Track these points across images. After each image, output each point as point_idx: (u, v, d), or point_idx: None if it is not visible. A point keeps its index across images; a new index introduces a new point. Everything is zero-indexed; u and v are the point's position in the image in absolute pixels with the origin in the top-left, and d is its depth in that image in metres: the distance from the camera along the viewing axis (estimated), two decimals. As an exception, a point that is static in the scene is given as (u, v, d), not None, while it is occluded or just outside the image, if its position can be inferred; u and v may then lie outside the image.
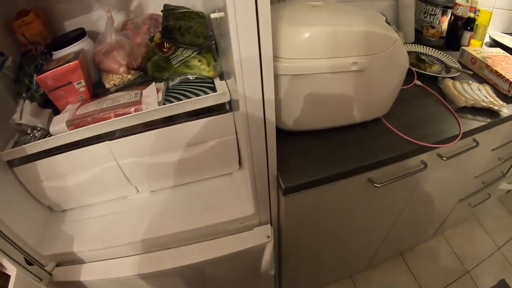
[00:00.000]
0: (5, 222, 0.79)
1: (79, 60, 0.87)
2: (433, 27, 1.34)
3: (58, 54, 0.95)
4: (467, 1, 1.31)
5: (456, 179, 1.26)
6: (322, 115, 0.87)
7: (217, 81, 0.84)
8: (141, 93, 0.84)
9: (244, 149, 0.82)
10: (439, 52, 1.29)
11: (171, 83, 0.85)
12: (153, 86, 0.85)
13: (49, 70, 0.87)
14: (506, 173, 1.51)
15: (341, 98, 0.84)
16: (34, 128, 0.86)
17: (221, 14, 0.64)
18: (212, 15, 0.71)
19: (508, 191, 1.96)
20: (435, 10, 1.29)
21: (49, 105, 0.92)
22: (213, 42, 0.88)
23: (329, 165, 0.83)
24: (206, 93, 0.82)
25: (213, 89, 0.82)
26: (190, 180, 0.98)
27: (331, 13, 0.81)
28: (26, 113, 0.86)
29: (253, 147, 0.73)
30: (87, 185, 0.93)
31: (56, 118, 0.86)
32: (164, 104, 0.79)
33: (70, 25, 1.05)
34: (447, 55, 1.27)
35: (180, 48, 0.86)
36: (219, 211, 0.91)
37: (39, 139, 0.84)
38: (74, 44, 0.95)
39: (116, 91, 0.91)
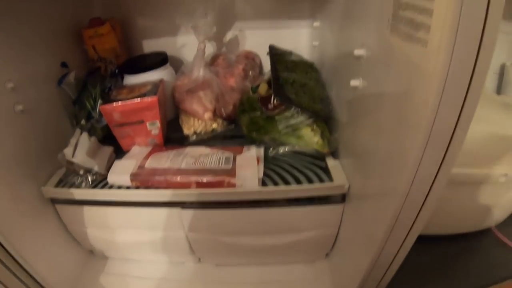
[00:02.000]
0: (37, 266, 0.62)
1: (157, 96, 0.69)
2: None
3: (132, 79, 0.77)
4: None
5: None
6: (450, 220, 0.72)
7: (330, 160, 0.65)
8: (235, 159, 0.65)
9: (352, 247, 0.64)
10: None
11: (271, 152, 0.66)
12: (252, 153, 0.66)
13: (119, 101, 0.69)
14: None
15: (472, 206, 0.70)
16: (88, 170, 0.68)
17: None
18: (353, 83, 0.53)
19: None
20: None
21: (110, 140, 0.74)
22: (332, 109, 0.70)
23: (442, 280, 0.69)
24: (316, 173, 0.64)
25: (325, 170, 0.63)
26: (265, 262, 0.78)
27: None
28: (81, 150, 0.68)
29: (384, 250, 0.53)
30: (139, 245, 0.75)
31: (118, 165, 0.68)
32: (264, 181, 0.59)
33: (149, 46, 0.88)
34: None
35: (291, 109, 0.67)
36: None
37: (92, 183, 0.67)
38: (154, 70, 0.77)
39: (197, 142, 0.72)
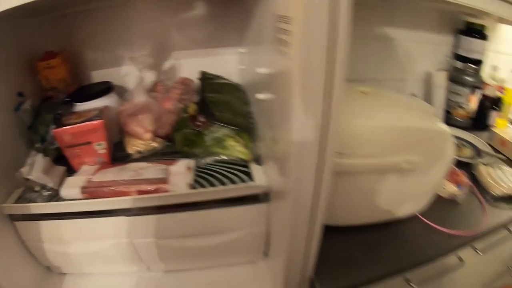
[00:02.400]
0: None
1: (103, 119, 0.81)
2: (462, 108, 1.33)
3: (81, 106, 0.89)
4: (495, 81, 1.31)
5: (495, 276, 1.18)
6: (362, 211, 0.80)
7: (254, 166, 0.79)
8: (168, 170, 0.78)
9: (278, 242, 0.76)
10: (468, 133, 1.26)
11: (201, 161, 0.79)
12: (182, 164, 0.79)
13: (69, 125, 0.80)
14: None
15: (386, 195, 0.77)
16: (43, 186, 0.78)
17: (270, 95, 0.60)
18: (259, 96, 0.67)
19: None
20: (464, 90, 1.30)
21: (63, 160, 0.85)
22: (252, 122, 0.84)
23: (368, 266, 0.76)
24: (240, 178, 0.76)
25: (248, 174, 0.76)
26: (208, 265, 0.90)
27: (383, 103, 0.78)
28: (37, 168, 0.79)
29: (293, 243, 0.67)
30: (92, 256, 0.84)
31: (70, 181, 0.79)
32: (193, 186, 0.73)
33: (96, 76, 1.00)
34: (476, 137, 1.23)
35: (216, 124, 0.81)
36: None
37: (47, 198, 0.77)
38: (99, 98, 0.89)
39: (139, 159, 0.84)
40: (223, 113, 0.81)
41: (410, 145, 0.70)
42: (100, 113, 0.83)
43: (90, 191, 0.75)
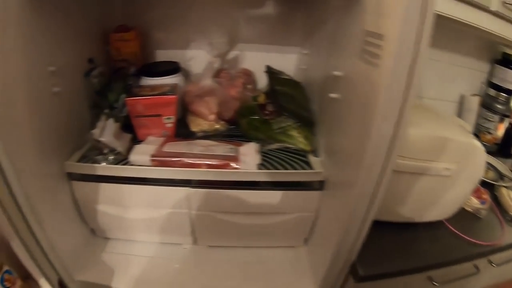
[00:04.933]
0: (51, 237, 0.71)
1: (176, 95, 0.85)
2: (490, 133, 1.41)
3: (150, 81, 0.92)
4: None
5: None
6: (400, 209, 0.86)
7: (311, 157, 0.84)
8: (237, 150, 0.82)
9: (325, 230, 0.81)
10: (493, 158, 1.33)
11: (266, 147, 0.84)
12: (251, 146, 0.83)
13: (143, 96, 0.84)
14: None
15: (422, 197, 0.83)
16: (112, 149, 0.81)
17: (340, 96, 0.68)
18: (332, 95, 0.73)
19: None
20: (494, 117, 1.37)
21: (128, 128, 0.88)
22: (313, 116, 0.89)
23: (399, 259, 0.82)
24: (300, 165, 0.80)
25: (307, 163, 0.81)
26: (252, 245, 0.94)
27: (427, 115, 0.86)
28: (108, 132, 0.81)
29: (346, 232, 0.71)
30: (144, 223, 0.86)
31: (139, 148, 0.82)
32: (259, 167, 0.77)
33: (161, 55, 1.03)
34: (500, 162, 1.29)
35: (282, 115, 0.86)
36: (276, 284, 0.86)
37: (113, 162, 0.79)
38: (168, 76, 0.93)
39: (203, 137, 0.88)
40: (290, 105, 0.86)
41: (449, 154, 0.77)
42: (173, 89, 0.87)
43: (160, 160, 0.78)
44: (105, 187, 0.81)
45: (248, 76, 1.01)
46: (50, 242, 0.71)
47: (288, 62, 1.05)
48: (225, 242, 0.93)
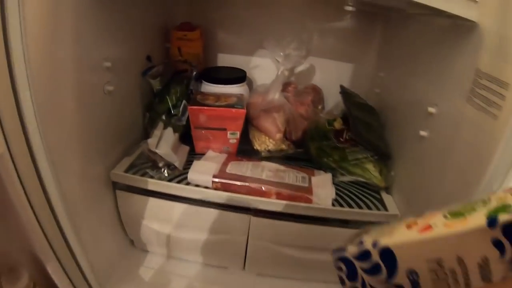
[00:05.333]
0: (88, 249, 0.63)
1: (245, 109, 0.76)
2: None
3: (213, 88, 0.83)
4: None
5: None
6: None
7: (383, 194, 0.74)
8: (310, 180, 0.72)
9: None
10: None
11: (338, 178, 0.74)
12: (325, 177, 0.74)
13: (207, 105, 0.74)
14: None
15: None
16: (168, 164, 0.71)
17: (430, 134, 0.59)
18: (422, 133, 0.64)
19: None
20: None
21: (184, 139, 0.78)
22: (389, 148, 0.79)
23: None
24: (373, 203, 0.71)
25: (379, 201, 0.72)
26: (305, 278, 0.84)
27: None
28: (166, 143, 0.72)
29: None
30: (194, 243, 0.78)
31: (199, 165, 0.73)
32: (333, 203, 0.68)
33: (223, 60, 0.94)
34: None
35: (359, 145, 0.76)
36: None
37: (167, 177, 0.71)
38: (234, 85, 0.84)
39: (268, 158, 0.78)
40: (368, 135, 0.77)
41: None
42: (240, 101, 0.77)
43: (223, 182, 0.69)
44: (153, 202, 0.73)
45: (317, 93, 0.91)
46: (89, 260, 0.63)
47: (359, 82, 0.95)
48: (277, 272, 0.83)
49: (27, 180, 0.47)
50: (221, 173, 0.70)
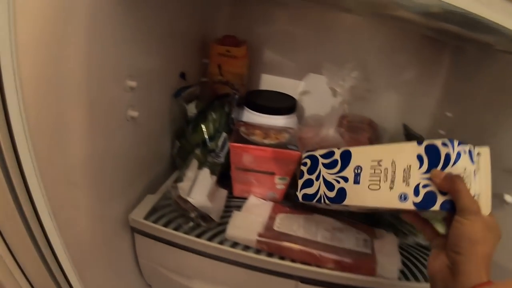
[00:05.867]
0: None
1: (300, 150, 0.62)
2: None
3: (257, 117, 0.69)
4: None
5: None
6: None
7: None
8: (373, 244, 0.59)
9: None
10: None
11: (401, 239, 0.62)
12: (392, 240, 0.60)
13: (254, 143, 0.60)
14: None
15: None
16: (202, 215, 0.58)
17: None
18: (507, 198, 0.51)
19: None
20: None
21: (221, 179, 0.65)
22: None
23: None
24: None
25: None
26: None
27: None
28: (201, 190, 0.59)
29: None
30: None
31: (240, 219, 0.60)
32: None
33: (267, 82, 0.80)
34: None
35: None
36: None
37: (199, 229, 0.58)
38: (283, 116, 0.70)
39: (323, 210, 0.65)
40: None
41: None
42: (294, 139, 0.64)
43: (270, 244, 0.56)
44: (178, 253, 0.60)
45: (374, 129, 0.78)
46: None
47: (420, 119, 0.81)
48: None
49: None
50: (268, 231, 0.58)
